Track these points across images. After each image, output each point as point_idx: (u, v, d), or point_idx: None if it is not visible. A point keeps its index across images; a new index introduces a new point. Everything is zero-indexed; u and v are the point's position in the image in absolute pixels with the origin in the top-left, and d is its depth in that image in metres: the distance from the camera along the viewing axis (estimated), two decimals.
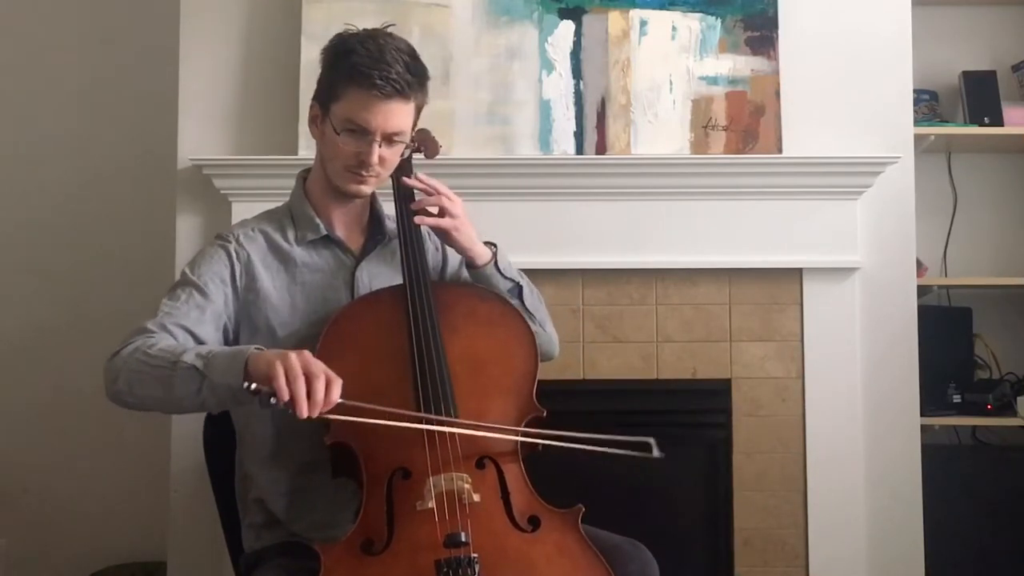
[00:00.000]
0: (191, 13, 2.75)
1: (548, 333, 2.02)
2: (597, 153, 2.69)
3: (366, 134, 1.77)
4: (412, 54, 1.81)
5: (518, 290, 1.96)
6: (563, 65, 2.73)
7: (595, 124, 2.71)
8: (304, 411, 1.46)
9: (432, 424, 1.67)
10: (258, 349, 1.57)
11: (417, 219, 1.87)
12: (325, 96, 1.82)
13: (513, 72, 2.72)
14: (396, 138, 1.80)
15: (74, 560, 3.12)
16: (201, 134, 2.73)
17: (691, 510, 2.74)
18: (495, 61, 2.72)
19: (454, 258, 2.00)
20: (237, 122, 2.73)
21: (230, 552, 2.00)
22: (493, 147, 2.69)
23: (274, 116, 2.72)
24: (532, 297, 2.00)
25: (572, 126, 2.71)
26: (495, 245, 1.96)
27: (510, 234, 2.55)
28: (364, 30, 1.83)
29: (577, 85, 2.72)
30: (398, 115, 1.78)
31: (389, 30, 1.84)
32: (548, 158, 2.68)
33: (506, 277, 1.94)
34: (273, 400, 1.45)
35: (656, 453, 1.73)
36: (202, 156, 2.67)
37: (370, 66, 1.74)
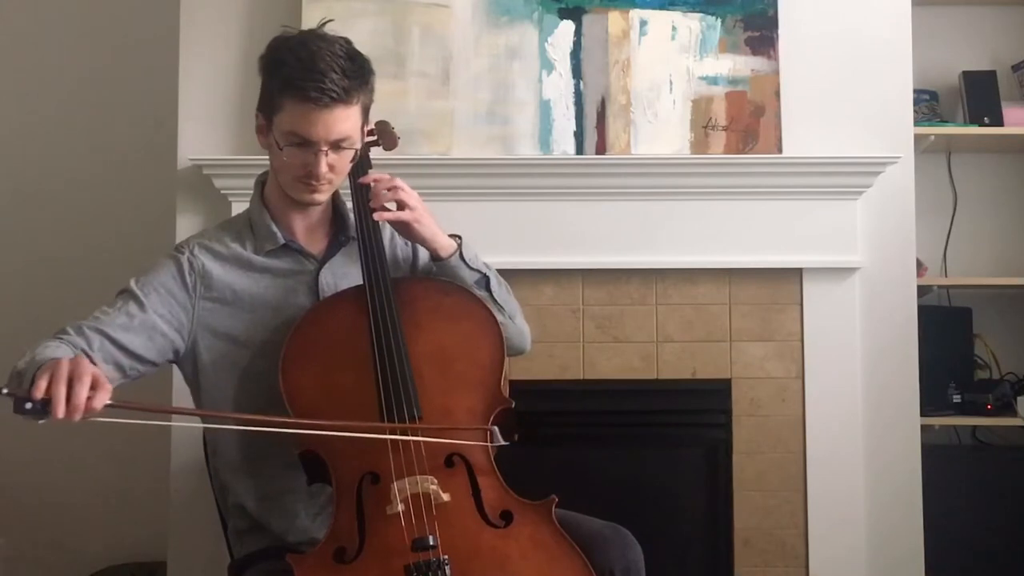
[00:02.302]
0: (191, 13, 2.75)
1: (518, 326, 1.96)
2: (597, 153, 2.69)
3: (310, 145, 1.73)
4: (349, 55, 1.74)
5: (485, 281, 1.91)
6: (563, 65, 2.73)
7: (595, 124, 2.71)
8: (60, 413, 1.40)
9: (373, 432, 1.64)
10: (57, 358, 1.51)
11: (376, 216, 1.83)
12: (267, 107, 1.77)
13: (513, 72, 2.72)
14: (343, 144, 1.75)
15: (74, 560, 3.12)
16: (201, 134, 2.73)
17: (691, 510, 2.74)
18: (495, 61, 2.72)
19: (424, 251, 1.94)
20: (237, 122, 2.73)
21: (229, 553, 1.99)
22: (493, 147, 2.69)
23: None
24: (500, 289, 1.95)
25: (572, 126, 2.71)
26: (460, 237, 1.92)
27: (510, 234, 2.58)
28: (299, 33, 1.78)
29: (577, 85, 2.72)
30: (341, 122, 1.72)
31: (327, 27, 1.79)
32: (548, 158, 2.68)
33: (472, 268, 1.90)
34: (28, 405, 1.41)
35: (501, 440, 1.69)
36: (202, 156, 2.67)
37: (304, 77, 1.68)
